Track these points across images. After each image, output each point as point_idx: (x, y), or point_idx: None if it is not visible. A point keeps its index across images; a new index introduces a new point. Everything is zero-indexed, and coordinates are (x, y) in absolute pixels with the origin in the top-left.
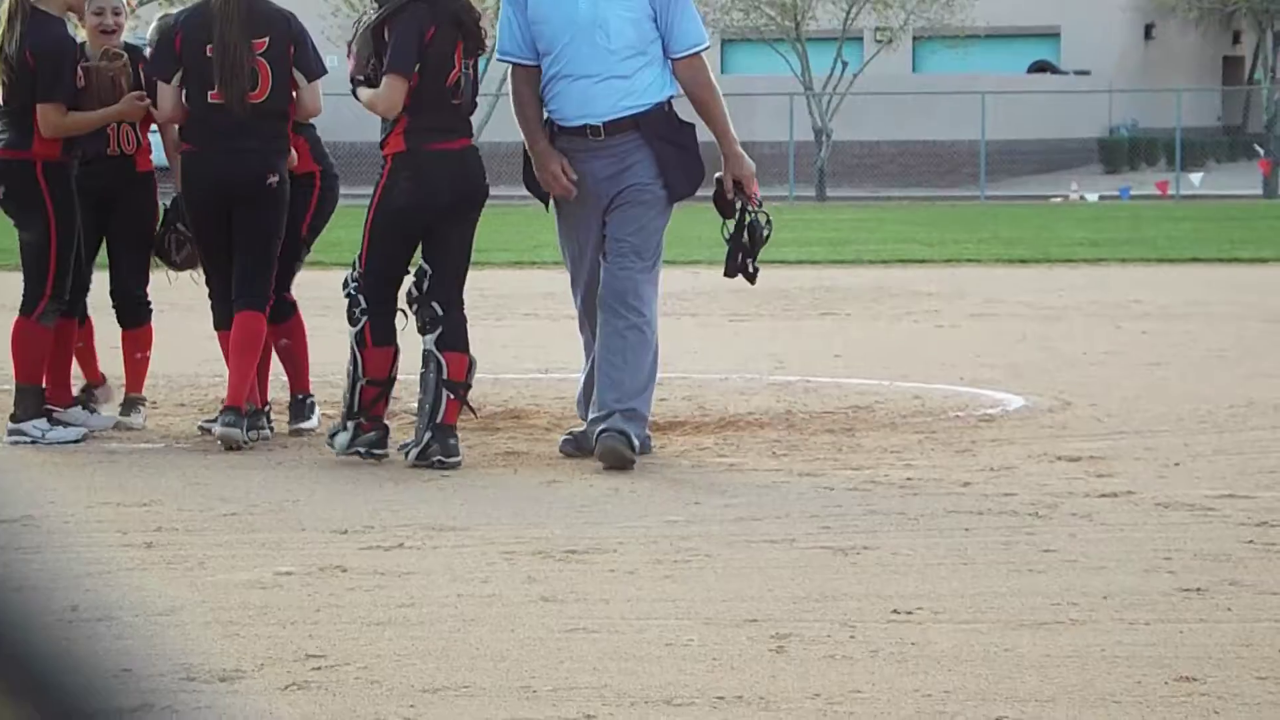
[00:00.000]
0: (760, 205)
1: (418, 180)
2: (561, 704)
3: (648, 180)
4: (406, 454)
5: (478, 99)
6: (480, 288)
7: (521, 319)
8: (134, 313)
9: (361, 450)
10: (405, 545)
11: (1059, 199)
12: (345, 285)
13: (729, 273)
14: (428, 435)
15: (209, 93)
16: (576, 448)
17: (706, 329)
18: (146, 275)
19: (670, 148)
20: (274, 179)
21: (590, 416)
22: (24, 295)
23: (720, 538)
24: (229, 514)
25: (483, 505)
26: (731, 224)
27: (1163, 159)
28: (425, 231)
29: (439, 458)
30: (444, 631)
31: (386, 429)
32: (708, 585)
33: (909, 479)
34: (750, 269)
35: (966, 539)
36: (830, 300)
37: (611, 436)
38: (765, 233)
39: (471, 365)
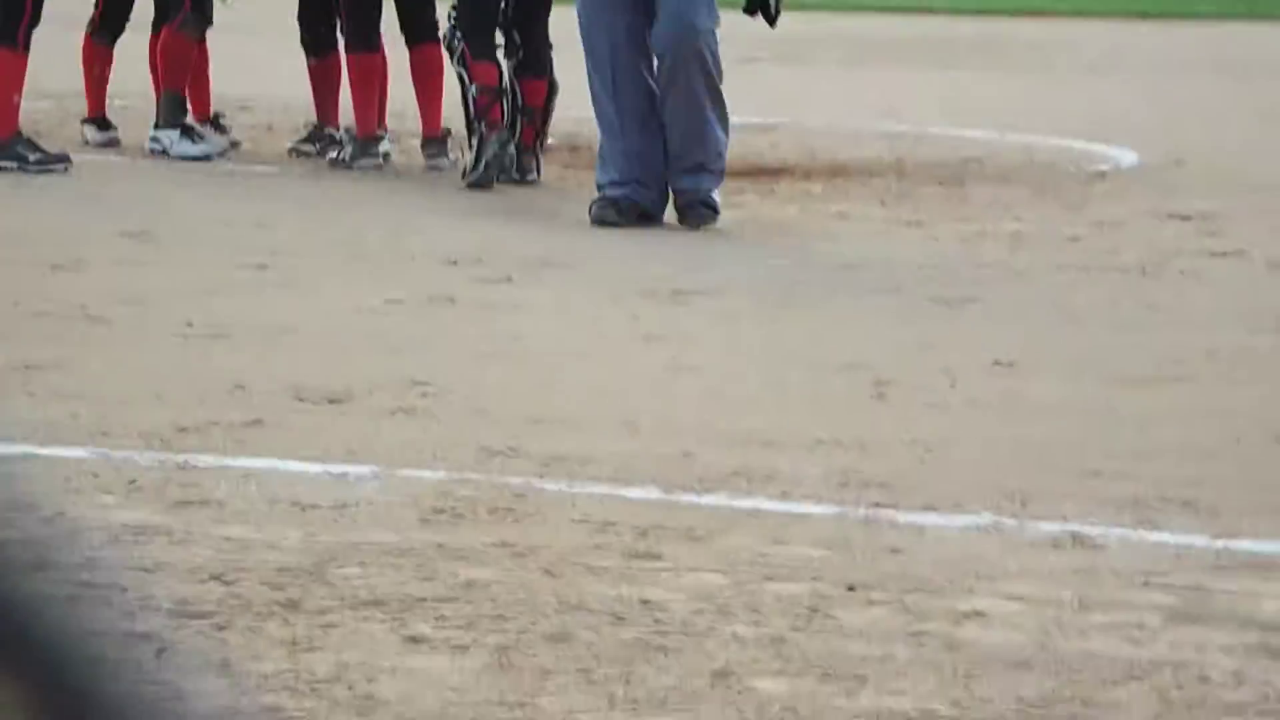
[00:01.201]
0: None
1: None
2: (661, 440)
3: None
4: (464, 175)
5: None
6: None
7: None
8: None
9: (494, 148)
10: (513, 279)
11: None
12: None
13: (747, 8)
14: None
15: None
16: (618, 213)
17: (819, 75)
18: None
19: None
20: None
21: (673, 177)
22: (169, 6)
23: (824, 284)
24: (342, 240)
25: (591, 243)
26: None
27: None
28: None
29: (515, 174)
30: (548, 364)
31: (511, 132)
32: (810, 330)
33: (1016, 232)
34: (772, 8)
35: (1072, 294)
36: (946, 51)
37: (696, 212)
38: None
39: (552, 90)
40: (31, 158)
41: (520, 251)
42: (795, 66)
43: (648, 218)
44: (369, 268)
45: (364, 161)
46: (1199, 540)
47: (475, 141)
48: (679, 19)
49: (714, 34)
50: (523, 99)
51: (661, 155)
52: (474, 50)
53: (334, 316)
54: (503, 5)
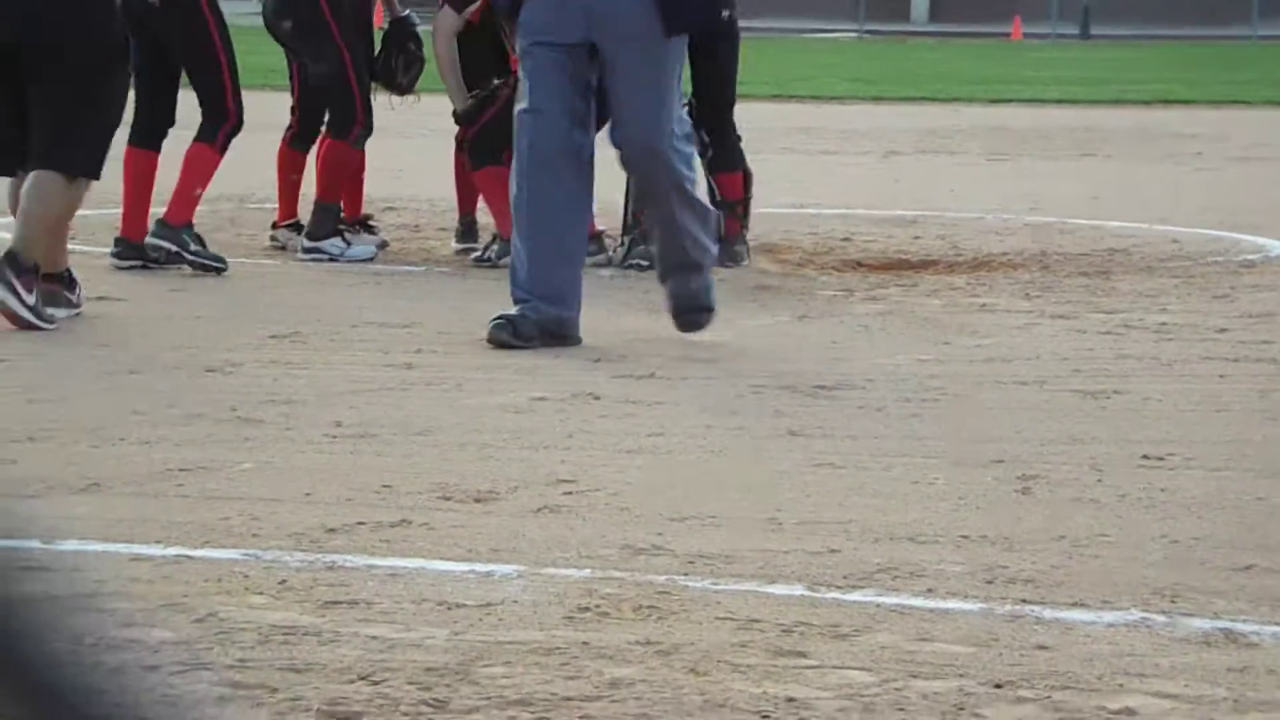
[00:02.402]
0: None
1: None
2: (806, 537)
3: (640, 18)
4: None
5: None
6: (739, 119)
7: (778, 153)
8: None
9: (640, 264)
10: (656, 375)
11: None
12: None
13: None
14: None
15: None
16: (514, 334)
17: (963, 168)
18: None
19: None
20: None
21: (661, 281)
22: (333, 122)
23: (969, 378)
24: (483, 339)
25: (732, 338)
26: None
27: None
28: (690, 62)
29: (729, 262)
30: (692, 461)
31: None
32: (955, 425)
33: (1163, 324)
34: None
35: (1221, 386)
36: (1090, 141)
37: (690, 319)
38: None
39: (748, 180)
40: (193, 248)
41: (662, 347)
42: (938, 158)
43: (559, 338)
44: (513, 366)
45: (509, 258)
46: None
47: (627, 241)
48: (635, 143)
49: (674, 145)
50: (721, 194)
51: (576, 268)
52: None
53: (479, 415)
54: (689, 110)
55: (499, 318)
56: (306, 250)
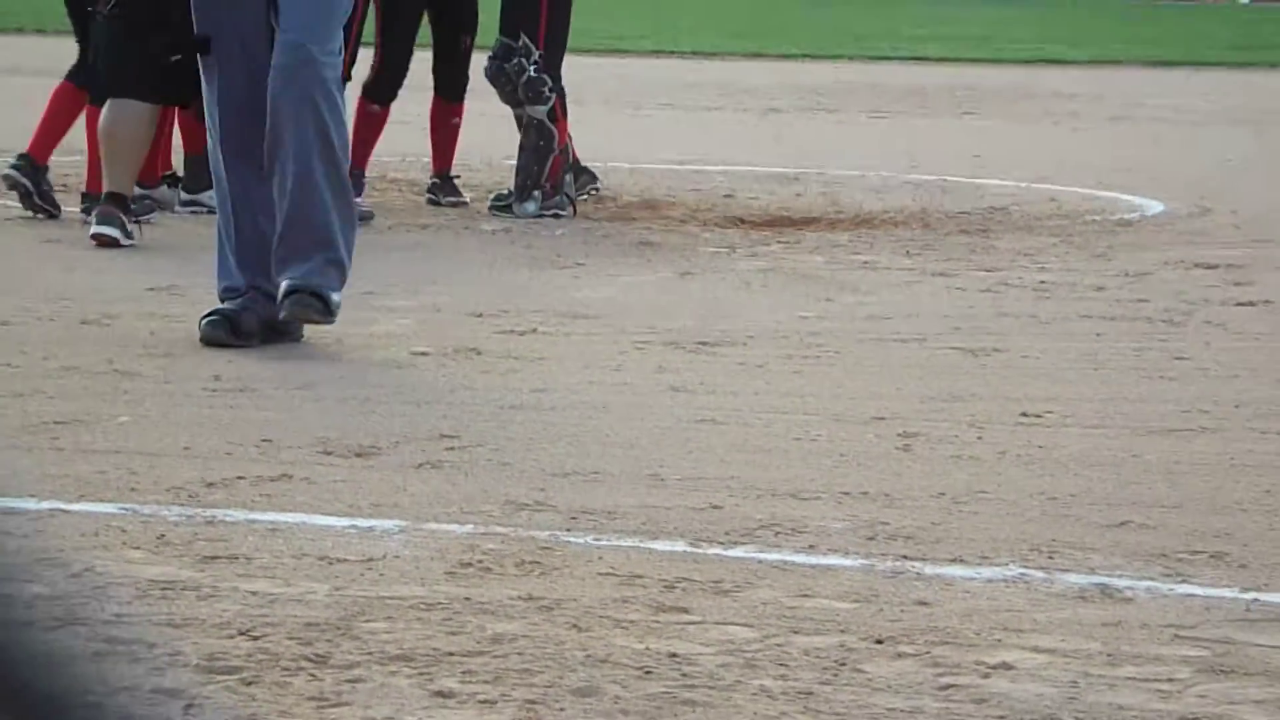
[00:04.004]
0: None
1: None
2: (688, 493)
3: None
4: (513, 208)
5: None
6: (620, 75)
7: (659, 109)
8: None
9: (548, 214)
10: (539, 330)
11: None
12: (519, 70)
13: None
14: (557, 196)
15: None
16: (232, 332)
17: (844, 125)
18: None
19: None
20: None
21: (278, 258)
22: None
23: (851, 335)
24: (366, 293)
25: (615, 294)
26: None
27: None
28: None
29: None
30: (575, 417)
31: (566, 193)
32: (837, 381)
33: (1042, 282)
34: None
35: (1098, 344)
36: (969, 99)
37: (302, 300)
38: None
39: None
40: (42, 187)
41: (545, 303)
42: (820, 116)
43: (280, 332)
44: (394, 320)
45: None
46: (1228, 593)
47: (538, 194)
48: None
49: (336, 67)
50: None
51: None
52: (562, 107)
53: (360, 369)
54: (527, 56)
55: (213, 312)
56: (184, 203)
